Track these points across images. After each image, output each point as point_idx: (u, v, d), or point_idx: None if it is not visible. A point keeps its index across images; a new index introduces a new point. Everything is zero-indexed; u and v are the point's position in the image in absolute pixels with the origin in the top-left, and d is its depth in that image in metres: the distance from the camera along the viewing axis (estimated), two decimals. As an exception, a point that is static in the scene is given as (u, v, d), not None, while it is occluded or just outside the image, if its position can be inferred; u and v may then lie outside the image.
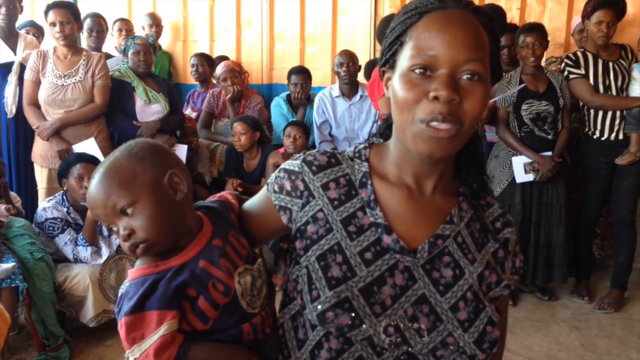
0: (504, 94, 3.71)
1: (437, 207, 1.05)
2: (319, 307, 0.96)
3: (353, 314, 0.95)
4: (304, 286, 1.00)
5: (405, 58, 0.95)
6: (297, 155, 1.09)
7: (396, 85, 0.96)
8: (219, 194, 1.17)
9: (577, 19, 4.41)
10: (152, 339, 0.93)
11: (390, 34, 1.00)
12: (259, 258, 1.09)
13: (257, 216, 1.11)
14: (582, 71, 3.74)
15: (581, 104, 3.88)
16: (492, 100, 3.80)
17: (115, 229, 1.01)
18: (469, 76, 0.91)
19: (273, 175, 1.08)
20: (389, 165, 1.06)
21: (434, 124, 0.91)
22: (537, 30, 3.72)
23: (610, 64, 3.72)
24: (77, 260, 3.17)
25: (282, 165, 1.08)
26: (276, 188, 1.06)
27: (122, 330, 0.94)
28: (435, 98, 0.90)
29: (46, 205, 3.22)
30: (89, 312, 3.11)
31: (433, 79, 0.92)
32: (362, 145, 1.11)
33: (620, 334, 3.52)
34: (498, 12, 3.71)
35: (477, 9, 0.97)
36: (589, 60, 3.75)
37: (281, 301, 1.10)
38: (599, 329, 3.57)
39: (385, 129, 1.14)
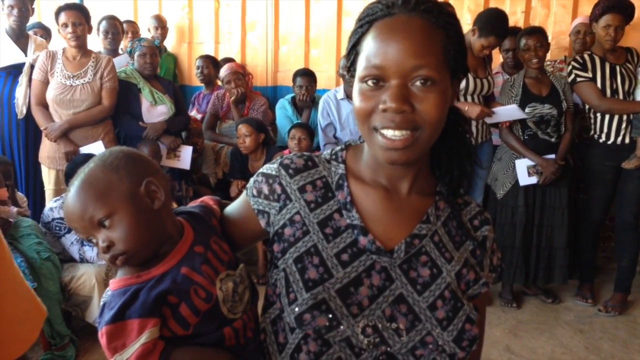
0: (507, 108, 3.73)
1: (414, 207, 1.05)
2: (297, 309, 0.97)
3: (330, 315, 0.96)
4: (282, 289, 1.00)
5: (359, 69, 0.96)
6: (276, 159, 1.10)
7: (354, 95, 0.98)
8: (200, 199, 1.16)
9: (577, 20, 4.42)
10: (134, 347, 0.92)
11: (348, 43, 1.01)
12: (241, 263, 1.08)
13: (238, 221, 1.11)
14: (590, 74, 3.73)
15: (587, 107, 3.88)
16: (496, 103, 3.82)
17: (94, 240, 0.99)
18: (421, 82, 0.91)
19: (252, 180, 1.09)
20: (364, 167, 1.07)
21: (390, 133, 0.93)
22: (538, 32, 3.74)
23: (617, 68, 3.72)
24: (83, 260, 3.19)
25: (260, 170, 1.09)
26: (254, 192, 1.07)
27: (103, 339, 0.94)
28: (385, 110, 0.92)
29: (53, 206, 3.24)
30: (94, 312, 3.12)
31: (385, 89, 0.93)
32: (338, 148, 1.11)
33: (624, 337, 3.52)
34: (500, 17, 3.72)
35: (428, 8, 0.94)
36: (597, 63, 3.75)
37: (262, 306, 1.10)
38: (603, 332, 3.58)
39: None
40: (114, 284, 0.99)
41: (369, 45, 0.94)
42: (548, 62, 4.49)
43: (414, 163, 1.01)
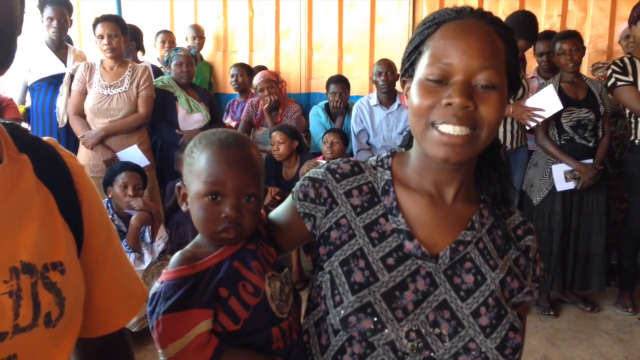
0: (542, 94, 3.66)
1: (459, 213, 1.06)
2: (342, 311, 0.98)
3: (375, 319, 0.97)
4: (327, 291, 1.02)
5: (422, 66, 0.98)
6: (322, 164, 1.12)
7: (413, 92, 0.99)
8: None
9: (623, 25, 4.33)
10: (189, 337, 0.95)
11: (410, 44, 1.03)
12: (285, 268, 1.11)
13: (283, 224, 1.13)
14: (630, 78, 3.64)
15: (627, 111, 3.79)
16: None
17: (219, 198, 1.02)
18: (484, 85, 0.93)
19: (298, 184, 1.11)
20: (410, 173, 1.08)
21: (449, 128, 0.93)
22: (573, 36, 3.68)
23: None
24: (121, 265, 3.25)
25: (307, 174, 1.11)
26: (301, 196, 1.09)
27: (158, 328, 0.96)
28: (449, 104, 0.93)
29: (93, 212, 3.30)
30: (132, 316, 3.18)
31: (448, 86, 0.94)
32: (385, 154, 1.13)
33: (667, 347, 3.42)
34: (527, 19, 3.68)
35: (494, 19, 0.99)
36: (637, 67, 3.66)
37: (306, 307, 1.12)
38: (644, 342, 3.48)
39: (408, 139, 1.16)
40: (168, 274, 1.01)
41: (437, 44, 0.96)
42: (601, 65, 4.40)
43: (463, 166, 1.02)
